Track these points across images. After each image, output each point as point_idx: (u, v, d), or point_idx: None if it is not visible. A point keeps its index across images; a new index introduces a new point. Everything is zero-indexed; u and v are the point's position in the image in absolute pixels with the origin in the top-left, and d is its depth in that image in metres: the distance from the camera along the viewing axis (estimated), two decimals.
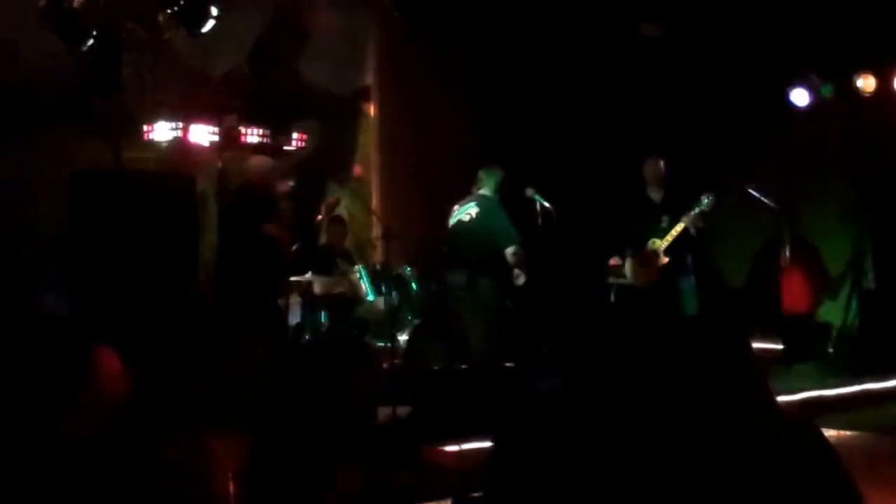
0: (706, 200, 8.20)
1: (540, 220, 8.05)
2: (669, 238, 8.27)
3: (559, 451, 2.38)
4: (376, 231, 9.06)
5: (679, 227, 8.26)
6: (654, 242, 8.36)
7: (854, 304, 9.57)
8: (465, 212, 7.93)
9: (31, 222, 8.19)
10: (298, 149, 9.59)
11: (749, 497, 2.31)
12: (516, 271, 7.70)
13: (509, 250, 7.67)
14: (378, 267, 8.47)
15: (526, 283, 7.77)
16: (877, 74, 9.50)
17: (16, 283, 7.01)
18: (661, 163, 8.50)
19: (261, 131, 9.11)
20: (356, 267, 8.63)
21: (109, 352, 2.75)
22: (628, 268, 8.51)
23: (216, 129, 8.92)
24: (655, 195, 8.49)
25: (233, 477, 3.13)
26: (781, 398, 5.17)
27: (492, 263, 7.72)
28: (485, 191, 7.94)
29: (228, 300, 7.31)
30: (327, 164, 9.77)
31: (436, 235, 8.24)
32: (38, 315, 6.81)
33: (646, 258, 8.41)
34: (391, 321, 7.89)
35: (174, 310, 7.24)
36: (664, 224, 8.37)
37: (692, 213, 8.23)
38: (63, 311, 6.94)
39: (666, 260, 8.32)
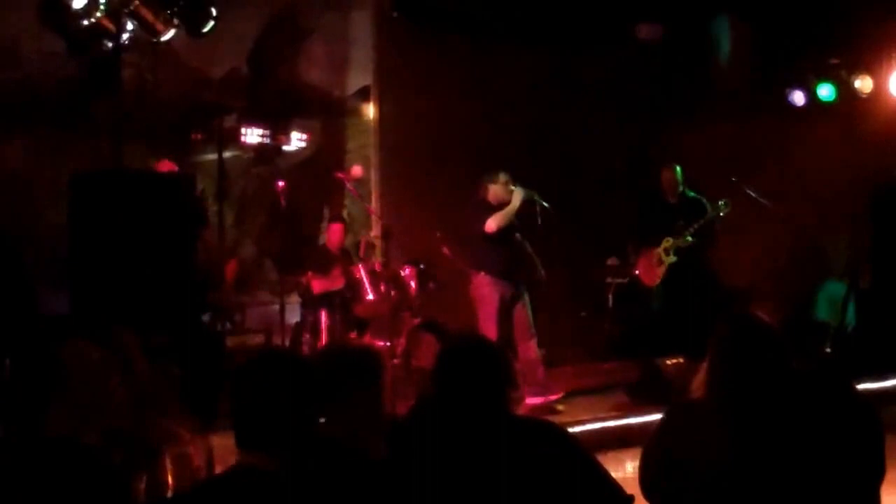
0: (722, 204, 8.48)
1: (539, 220, 8.10)
2: (688, 238, 8.45)
3: None
4: (376, 231, 9.07)
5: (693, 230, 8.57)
6: (667, 241, 8.63)
7: (852, 303, 9.60)
8: None
9: (31, 222, 8.19)
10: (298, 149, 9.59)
11: None
12: None
13: None
14: (378, 267, 8.47)
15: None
16: (874, 75, 9.54)
17: (15, 282, 6.99)
18: (678, 170, 8.80)
19: (261, 131, 9.11)
20: (355, 267, 8.63)
21: None
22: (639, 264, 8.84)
23: (216, 129, 8.92)
24: (672, 199, 8.85)
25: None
26: None
27: None
28: None
29: None
30: (327, 164, 9.77)
31: (435, 235, 8.27)
32: (38, 315, 6.79)
33: (655, 256, 8.72)
34: (391, 321, 7.91)
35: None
36: (680, 224, 8.65)
37: (709, 215, 8.60)
38: (63, 311, 6.92)
39: (674, 259, 8.61)
